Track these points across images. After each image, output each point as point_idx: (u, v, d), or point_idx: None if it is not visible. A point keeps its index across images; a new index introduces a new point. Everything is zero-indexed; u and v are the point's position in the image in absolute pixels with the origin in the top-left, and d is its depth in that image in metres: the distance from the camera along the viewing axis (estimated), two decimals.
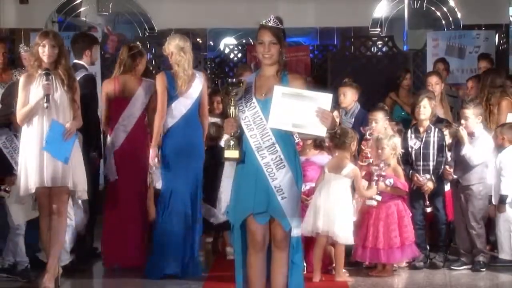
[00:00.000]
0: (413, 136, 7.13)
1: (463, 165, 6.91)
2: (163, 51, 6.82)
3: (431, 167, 6.99)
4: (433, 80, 8.35)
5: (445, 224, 7.10)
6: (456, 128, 7.00)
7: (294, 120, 4.56)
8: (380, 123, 7.20)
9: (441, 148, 7.02)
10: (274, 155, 4.66)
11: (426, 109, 7.09)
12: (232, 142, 4.69)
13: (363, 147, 6.94)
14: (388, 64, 10.96)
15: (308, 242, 6.44)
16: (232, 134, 4.70)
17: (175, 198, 6.63)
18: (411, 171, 6.98)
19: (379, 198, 6.60)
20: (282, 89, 4.59)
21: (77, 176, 5.93)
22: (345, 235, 6.43)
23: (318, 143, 7.01)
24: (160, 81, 6.65)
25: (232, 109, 4.72)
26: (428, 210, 6.96)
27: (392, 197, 6.71)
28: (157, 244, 6.65)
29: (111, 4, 13.30)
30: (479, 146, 6.87)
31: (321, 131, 4.57)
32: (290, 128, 4.60)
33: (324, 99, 4.55)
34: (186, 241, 6.62)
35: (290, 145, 4.77)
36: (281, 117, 4.56)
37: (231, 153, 4.70)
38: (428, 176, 6.94)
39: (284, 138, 4.71)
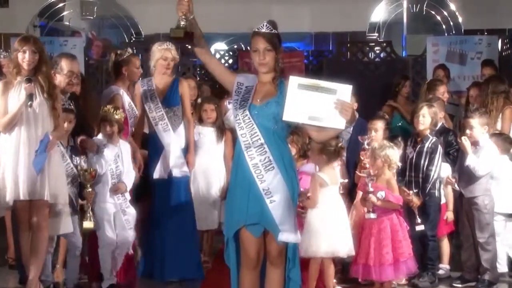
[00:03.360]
0: (411, 145, 7.11)
1: (467, 177, 6.88)
2: (168, 59, 7.02)
3: (420, 180, 6.94)
4: (442, 89, 8.30)
5: (432, 240, 7.01)
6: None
7: (311, 113, 4.50)
8: (380, 132, 7.17)
9: (431, 159, 6.95)
10: (263, 156, 4.68)
11: (425, 118, 7.04)
12: (182, 23, 4.67)
13: (361, 158, 6.90)
14: (386, 71, 10.98)
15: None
16: (183, 13, 4.67)
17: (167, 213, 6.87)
18: (399, 184, 6.93)
19: (373, 216, 6.55)
20: (298, 80, 4.55)
21: (57, 188, 5.86)
22: (348, 249, 6.42)
23: (303, 153, 6.99)
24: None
25: None
26: (418, 228, 6.87)
27: (385, 211, 6.64)
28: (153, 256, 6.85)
29: (95, 8, 13.26)
30: (484, 156, 6.83)
31: (340, 123, 4.50)
32: (306, 121, 4.55)
33: (344, 90, 4.50)
34: (184, 253, 6.85)
35: (283, 149, 4.78)
36: (297, 109, 4.51)
37: (177, 32, 4.70)
38: (415, 190, 6.88)
39: (277, 141, 4.73)
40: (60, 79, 6.48)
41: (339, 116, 4.45)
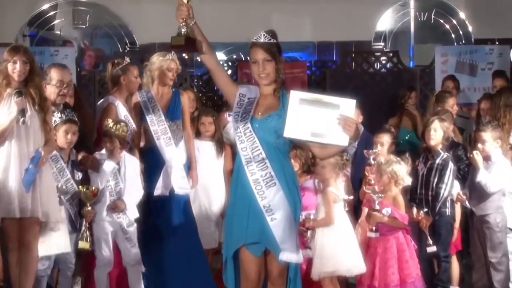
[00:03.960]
0: (422, 161, 7.10)
1: (478, 193, 6.87)
2: (173, 70, 7.10)
3: (430, 198, 6.95)
4: (451, 101, 8.31)
5: (444, 261, 7.01)
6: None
7: (313, 129, 4.52)
8: (386, 146, 7.19)
9: (442, 176, 6.95)
10: (264, 171, 4.69)
11: (436, 132, 7.03)
12: (183, 29, 4.67)
13: (366, 173, 6.90)
14: (393, 82, 11.01)
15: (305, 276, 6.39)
16: (183, 20, 4.67)
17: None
18: (410, 202, 6.93)
19: (374, 235, 6.56)
20: (299, 95, 4.57)
21: (48, 205, 5.85)
22: (359, 267, 6.43)
23: (306, 168, 6.99)
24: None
25: None
26: (430, 250, 6.87)
27: (390, 229, 6.64)
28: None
29: (88, 16, 13.26)
30: (496, 172, 6.83)
31: (343, 140, 4.51)
32: (308, 138, 4.56)
33: (347, 105, 4.52)
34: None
35: (285, 164, 4.79)
36: (298, 125, 4.53)
37: (178, 40, 4.70)
38: (426, 208, 6.88)
39: (278, 156, 4.74)
40: (50, 90, 6.47)
41: (342, 132, 4.46)
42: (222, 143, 7.79)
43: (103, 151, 6.60)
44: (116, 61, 7.25)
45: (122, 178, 6.58)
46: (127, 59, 7.27)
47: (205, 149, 7.72)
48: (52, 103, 6.36)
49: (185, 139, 7.27)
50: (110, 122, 6.59)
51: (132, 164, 6.68)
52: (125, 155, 6.65)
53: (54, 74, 6.51)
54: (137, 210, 6.67)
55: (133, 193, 6.62)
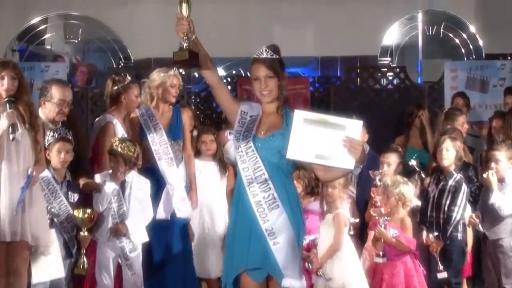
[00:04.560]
0: (433, 182, 7.09)
1: (491, 216, 6.87)
2: (176, 86, 7.19)
3: (441, 221, 6.93)
4: (461, 119, 8.31)
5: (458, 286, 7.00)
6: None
7: (318, 151, 4.51)
8: (393, 166, 7.19)
9: (454, 199, 6.94)
10: (267, 193, 4.69)
11: (449, 152, 7.04)
12: (185, 44, 4.68)
13: (372, 195, 6.91)
14: (400, 99, 11.01)
15: None
16: (184, 34, 4.67)
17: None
18: (421, 225, 6.92)
19: (381, 260, 6.55)
20: (303, 114, 4.56)
21: (38, 228, 5.84)
22: None
23: (310, 190, 6.99)
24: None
25: (184, 7, 4.71)
26: (441, 276, 6.85)
27: (398, 254, 6.64)
28: None
29: (80, 30, 13.25)
30: (510, 194, 6.82)
31: (349, 163, 4.49)
32: (312, 160, 4.55)
33: (353, 126, 4.51)
34: None
35: (288, 185, 4.80)
36: (302, 146, 4.52)
37: (181, 55, 4.70)
38: (436, 232, 6.87)
39: (281, 176, 4.75)
40: (50, 108, 6.52)
41: (348, 155, 4.45)
42: (225, 162, 7.80)
43: (107, 171, 6.62)
44: (117, 78, 7.27)
45: (126, 200, 6.56)
46: (129, 77, 7.29)
47: (207, 169, 7.72)
48: (50, 121, 6.41)
49: (185, 159, 7.29)
50: (116, 140, 6.60)
51: (141, 185, 6.66)
52: (133, 176, 6.63)
53: (55, 92, 6.56)
54: (146, 233, 6.66)
55: (141, 215, 6.60)
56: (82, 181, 6.57)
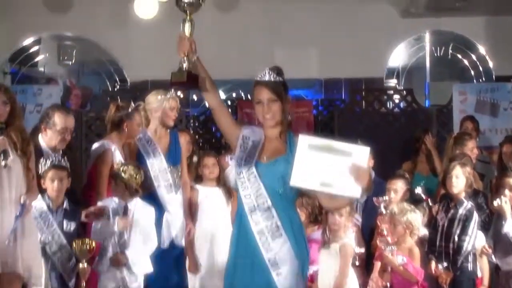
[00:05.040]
0: (442, 210, 7.07)
1: (504, 246, 6.85)
2: (175, 109, 7.21)
3: (451, 251, 6.92)
4: (470, 144, 8.31)
5: None
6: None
7: (323, 178, 4.48)
8: (400, 193, 7.19)
9: (465, 228, 6.92)
10: (269, 221, 4.68)
11: (459, 179, 7.01)
12: (184, 64, 4.68)
13: (378, 223, 6.90)
14: (407, 123, 11.03)
15: None
16: (185, 54, 4.68)
17: None
18: (429, 255, 6.91)
19: None
20: (308, 140, 4.54)
21: (29, 259, 5.83)
22: None
23: (313, 218, 6.99)
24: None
25: (187, 26, 4.71)
26: None
27: (405, 284, 6.63)
28: None
29: (74, 52, 13.30)
30: None
31: (355, 191, 4.48)
32: (317, 187, 4.54)
33: (360, 153, 4.49)
34: None
35: (291, 213, 4.80)
36: (307, 173, 4.50)
37: (179, 76, 4.69)
38: (445, 263, 6.85)
39: (285, 204, 4.74)
40: (51, 135, 6.56)
41: (354, 182, 4.44)
42: (229, 187, 7.79)
43: (109, 198, 6.62)
44: (121, 104, 7.29)
45: (129, 228, 6.55)
46: (133, 104, 7.31)
47: (213, 195, 7.68)
48: (51, 148, 6.42)
49: (182, 186, 7.30)
50: (120, 165, 6.62)
51: (145, 213, 6.65)
52: (136, 203, 6.62)
53: (58, 120, 6.60)
54: (150, 263, 6.64)
55: (144, 245, 6.59)
56: (85, 212, 6.55)
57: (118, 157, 7.03)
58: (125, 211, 6.55)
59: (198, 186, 7.69)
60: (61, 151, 6.67)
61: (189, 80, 4.70)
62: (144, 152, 7.14)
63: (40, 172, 6.29)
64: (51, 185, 6.33)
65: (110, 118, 7.25)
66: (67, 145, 7.04)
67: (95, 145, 7.28)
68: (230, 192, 7.71)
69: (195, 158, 8.07)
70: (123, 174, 6.54)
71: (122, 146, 7.18)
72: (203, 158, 7.84)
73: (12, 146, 5.83)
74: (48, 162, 6.35)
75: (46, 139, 6.65)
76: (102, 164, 6.95)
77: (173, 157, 7.24)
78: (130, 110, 7.21)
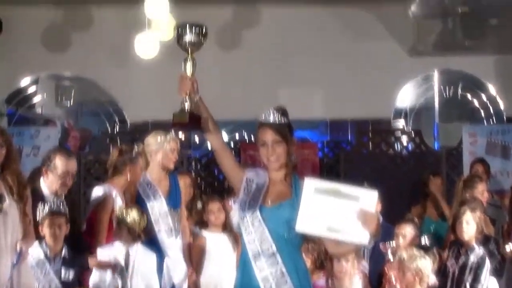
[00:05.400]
0: (452, 256, 7.04)
1: None
2: (175, 151, 7.23)
3: None
4: (481, 187, 8.30)
5: None
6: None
7: (330, 223, 4.47)
8: (408, 238, 7.17)
9: (477, 276, 6.89)
10: (274, 268, 4.67)
11: (469, 225, 7.00)
12: (186, 105, 4.68)
13: (386, 270, 6.87)
14: (416, 165, 11.03)
15: None
16: (187, 94, 4.68)
17: None
18: None
19: None
20: (314, 184, 4.54)
21: None
22: None
23: (319, 264, 6.96)
24: None
25: (188, 65, 4.72)
26: None
27: None
28: None
29: (73, 92, 13.33)
30: None
31: (363, 237, 4.46)
32: (324, 233, 4.53)
33: (368, 197, 4.49)
34: None
35: (297, 259, 4.78)
36: (313, 218, 4.49)
37: (181, 117, 4.70)
38: None
39: (290, 250, 4.72)
40: (52, 179, 6.56)
41: (362, 228, 4.43)
42: (236, 233, 7.77)
43: (110, 244, 6.61)
44: (124, 148, 7.30)
45: (130, 275, 6.53)
46: (136, 148, 7.31)
47: (219, 242, 7.66)
48: (53, 193, 6.42)
49: (181, 230, 7.29)
50: (122, 208, 6.62)
51: (146, 259, 6.64)
52: (138, 249, 6.61)
53: (59, 163, 6.61)
54: None
55: None
56: (92, 261, 6.53)
57: (118, 202, 7.02)
58: (125, 259, 6.55)
59: (204, 233, 7.67)
60: (63, 196, 6.67)
61: (191, 121, 4.72)
62: (144, 195, 7.14)
63: (38, 218, 6.28)
64: (49, 232, 6.32)
65: (112, 162, 7.23)
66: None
67: (96, 191, 7.24)
68: (237, 237, 7.69)
69: (199, 203, 8.06)
70: (127, 219, 6.55)
71: (124, 190, 7.17)
72: (208, 203, 7.83)
73: (8, 190, 5.82)
74: (46, 208, 6.35)
75: (47, 183, 6.66)
76: (103, 211, 6.93)
77: (173, 200, 7.23)
78: (133, 154, 7.21)
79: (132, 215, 6.58)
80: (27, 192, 6.00)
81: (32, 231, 5.99)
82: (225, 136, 13.05)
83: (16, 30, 12.63)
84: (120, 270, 6.51)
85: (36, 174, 6.90)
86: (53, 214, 6.34)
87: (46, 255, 6.31)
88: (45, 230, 6.34)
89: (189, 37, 4.71)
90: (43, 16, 12.94)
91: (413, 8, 10.49)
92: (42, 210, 6.34)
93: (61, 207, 6.40)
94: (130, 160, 7.17)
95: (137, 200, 7.18)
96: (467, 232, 6.99)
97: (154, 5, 10.33)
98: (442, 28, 11.52)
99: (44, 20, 12.99)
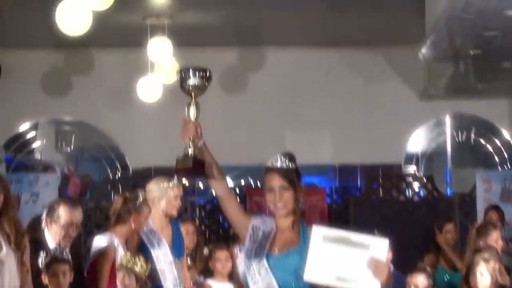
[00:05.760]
0: None
1: None
2: (179, 198, 7.19)
3: None
4: (495, 235, 8.28)
5: None
6: None
7: (339, 272, 4.46)
8: None
9: None
10: None
11: (484, 277, 6.96)
12: (190, 150, 4.66)
13: None
14: (428, 212, 11.00)
15: None
16: (191, 139, 4.66)
17: None
18: None
19: None
20: (323, 231, 4.54)
21: None
22: None
23: None
24: None
25: (192, 110, 4.71)
26: None
27: None
28: None
29: (73, 137, 13.36)
30: None
31: (374, 287, 4.45)
32: (333, 282, 4.50)
33: (379, 245, 4.48)
34: None
35: None
36: (322, 267, 4.48)
37: (185, 162, 4.67)
38: None
39: None
40: (55, 230, 6.56)
41: (372, 277, 4.42)
42: (241, 283, 7.75)
43: None
44: (128, 196, 7.29)
45: None
46: (141, 196, 7.31)
47: None
48: (56, 244, 6.42)
49: (183, 279, 7.27)
50: (128, 256, 6.61)
51: None
52: None
53: (62, 213, 6.60)
54: None
55: None
56: None
57: (120, 251, 7.00)
58: None
59: (210, 282, 7.64)
60: (67, 248, 6.66)
61: (195, 167, 4.71)
62: (149, 243, 7.12)
63: (40, 266, 6.27)
64: (53, 280, 6.30)
65: (116, 210, 7.21)
66: None
67: (98, 240, 7.21)
68: (242, 287, 7.66)
69: (205, 250, 8.04)
70: (135, 267, 6.54)
71: (126, 240, 7.15)
72: (215, 251, 7.81)
73: (5, 238, 5.81)
74: (49, 255, 6.34)
75: (51, 234, 6.65)
76: (104, 261, 6.91)
77: (177, 249, 7.21)
78: (138, 202, 7.19)
79: (140, 263, 6.58)
80: (25, 241, 5.98)
81: (30, 281, 5.95)
82: (230, 182, 13.04)
83: (15, 74, 12.70)
84: None
85: (35, 222, 6.89)
86: (57, 261, 6.33)
87: None
88: (49, 279, 6.31)
89: (192, 81, 4.70)
90: (42, 60, 13.02)
91: (424, 50, 10.50)
92: (45, 258, 6.33)
93: (64, 254, 6.40)
94: (135, 208, 7.16)
95: (140, 248, 7.16)
96: (481, 284, 6.95)
97: (157, 47, 10.38)
98: (453, 71, 11.53)
99: (44, 64, 13.07)
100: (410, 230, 10.35)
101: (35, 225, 6.83)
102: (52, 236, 6.64)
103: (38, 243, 6.37)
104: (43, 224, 6.67)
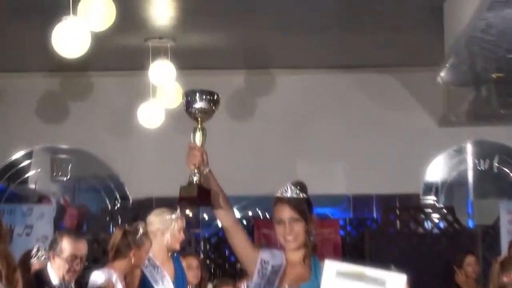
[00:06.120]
0: None
1: None
2: (182, 230, 7.28)
3: None
4: None
5: None
6: None
7: None
8: None
9: None
10: None
11: None
12: (195, 178, 4.64)
13: None
14: (448, 245, 10.98)
15: None
16: (197, 166, 4.64)
17: None
18: None
19: None
20: (336, 266, 4.50)
21: None
22: None
23: None
24: None
25: (198, 135, 4.69)
26: None
27: None
28: None
29: (70, 166, 13.37)
30: None
31: None
32: None
33: (396, 281, 4.45)
34: None
35: None
36: None
37: (190, 190, 4.66)
38: None
39: None
40: (59, 264, 6.58)
41: None
42: None
43: None
44: (128, 229, 7.30)
45: None
46: (141, 229, 7.30)
47: None
48: (60, 279, 6.43)
49: None
50: None
51: None
52: None
53: (66, 245, 6.65)
54: None
55: None
56: None
57: (118, 287, 7.01)
58: None
59: None
60: (72, 283, 6.66)
61: (200, 196, 4.70)
62: (152, 279, 7.12)
63: None
64: None
65: (115, 244, 7.22)
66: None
67: (95, 276, 7.21)
68: None
69: (210, 286, 8.05)
70: None
71: (125, 274, 7.15)
72: (220, 286, 7.82)
73: None
74: None
75: (54, 268, 6.67)
76: None
77: (180, 284, 7.21)
78: (139, 236, 7.19)
79: None
80: (17, 275, 5.96)
81: None
82: (237, 213, 13.02)
83: (9, 99, 12.76)
84: None
85: (25, 257, 6.91)
86: None
87: None
88: None
89: (199, 104, 4.69)
90: (38, 85, 13.05)
91: (443, 74, 10.47)
92: None
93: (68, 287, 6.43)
94: (135, 242, 7.16)
95: (141, 284, 7.15)
96: None
97: (160, 71, 10.41)
98: (475, 95, 11.51)
99: (40, 88, 13.09)
100: (430, 265, 10.33)
101: (28, 260, 6.85)
102: (55, 271, 6.67)
103: (40, 279, 6.39)
104: (45, 258, 6.70)
